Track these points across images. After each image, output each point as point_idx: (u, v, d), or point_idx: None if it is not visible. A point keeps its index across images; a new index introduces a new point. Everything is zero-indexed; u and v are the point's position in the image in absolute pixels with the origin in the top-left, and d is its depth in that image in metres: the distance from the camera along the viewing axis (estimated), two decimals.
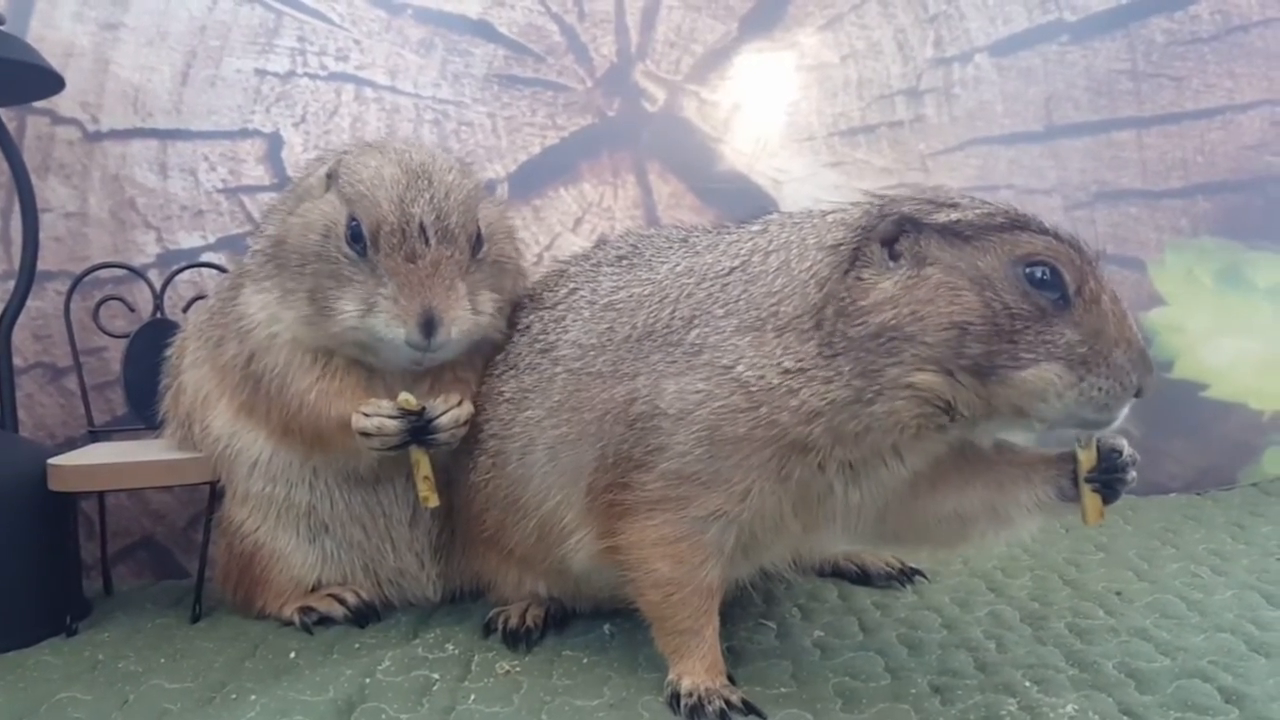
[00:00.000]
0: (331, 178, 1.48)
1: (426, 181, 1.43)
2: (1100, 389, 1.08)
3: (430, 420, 1.44)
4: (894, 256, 1.15)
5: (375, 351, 1.46)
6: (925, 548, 1.57)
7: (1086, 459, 1.20)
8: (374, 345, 1.44)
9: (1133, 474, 1.21)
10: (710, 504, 1.20)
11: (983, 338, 1.08)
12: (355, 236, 1.42)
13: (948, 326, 1.09)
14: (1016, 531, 1.30)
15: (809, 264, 1.19)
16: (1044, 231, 1.13)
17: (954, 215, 1.14)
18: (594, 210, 2.20)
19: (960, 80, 2.23)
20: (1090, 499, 1.21)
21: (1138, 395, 1.10)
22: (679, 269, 1.33)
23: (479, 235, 1.47)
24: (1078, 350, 1.08)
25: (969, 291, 1.10)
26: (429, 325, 1.38)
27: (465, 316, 1.42)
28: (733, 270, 1.26)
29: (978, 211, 1.15)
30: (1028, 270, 1.10)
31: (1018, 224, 1.13)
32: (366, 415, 1.44)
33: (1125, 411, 1.11)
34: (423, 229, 1.40)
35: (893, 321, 1.11)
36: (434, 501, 1.47)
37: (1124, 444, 1.21)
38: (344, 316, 1.42)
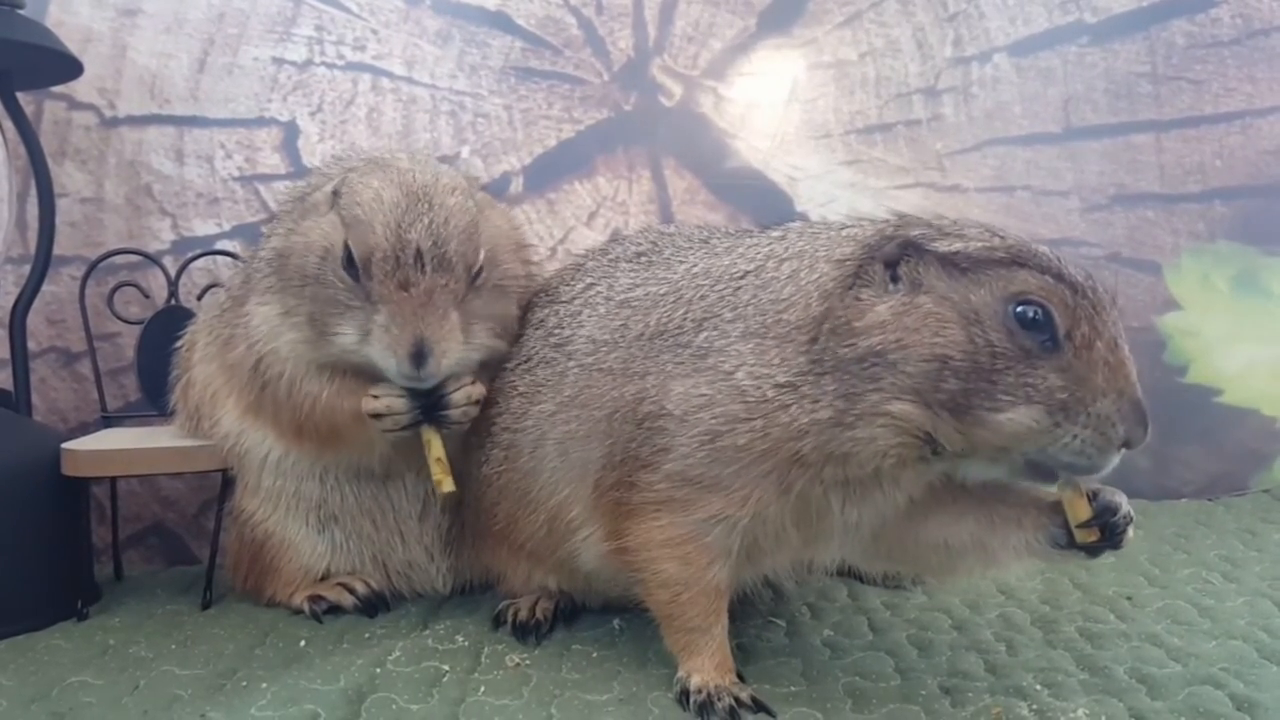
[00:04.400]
0: (336, 195, 1.46)
1: (426, 205, 1.40)
2: (1079, 438, 1.05)
3: (442, 397, 1.43)
4: (895, 279, 1.14)
5: (375, 373, 1.44)
6: (914, 572, 1.58)
7: (1075, 510, 1.16)
8: (373, 368, 1.43)
9: (1130, 536, 1.17)
10: (713, 507, 1.19)
11: (961, 373, 1.06)
12: (350, 261, 1.40)
13: (929, 358, 1.08)
14: (1004, 571, 1.29)
15: (816, 275, 1.18)
16: (1046, 270, 1.09)
17: (956, 245, 1.12)
18: (608, 204, 2.20)
19: (979, 80, 2.22)
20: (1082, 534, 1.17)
21: (1126, 447, 1.07)
22: (696, 270, 1.33)
23: (479, 262, 1.44)
24: (1058, 396, 1.05)
25: (955, 325, 1.08)
26: (419, 357, 1.36)
27: (456, 348, 1.39)
28: (746, 274, 1.25)
29: (980, 244, 1.12)
30: (1018, 309, 1.07)
31: (1019, 260, 1.10)
32: (376, 396, 1.44)
33: (1113, 462, 1.07)
34: (419, 255, 1.37)
35: (879, 346, 1.10)
36: (448, 485, 1.44)
37: (1121, 501, 1.17)
38: (344, 340, 1.42)
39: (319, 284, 1.42)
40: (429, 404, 1.43)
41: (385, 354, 1.38)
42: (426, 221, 1.39)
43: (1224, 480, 2.22)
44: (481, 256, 1.45)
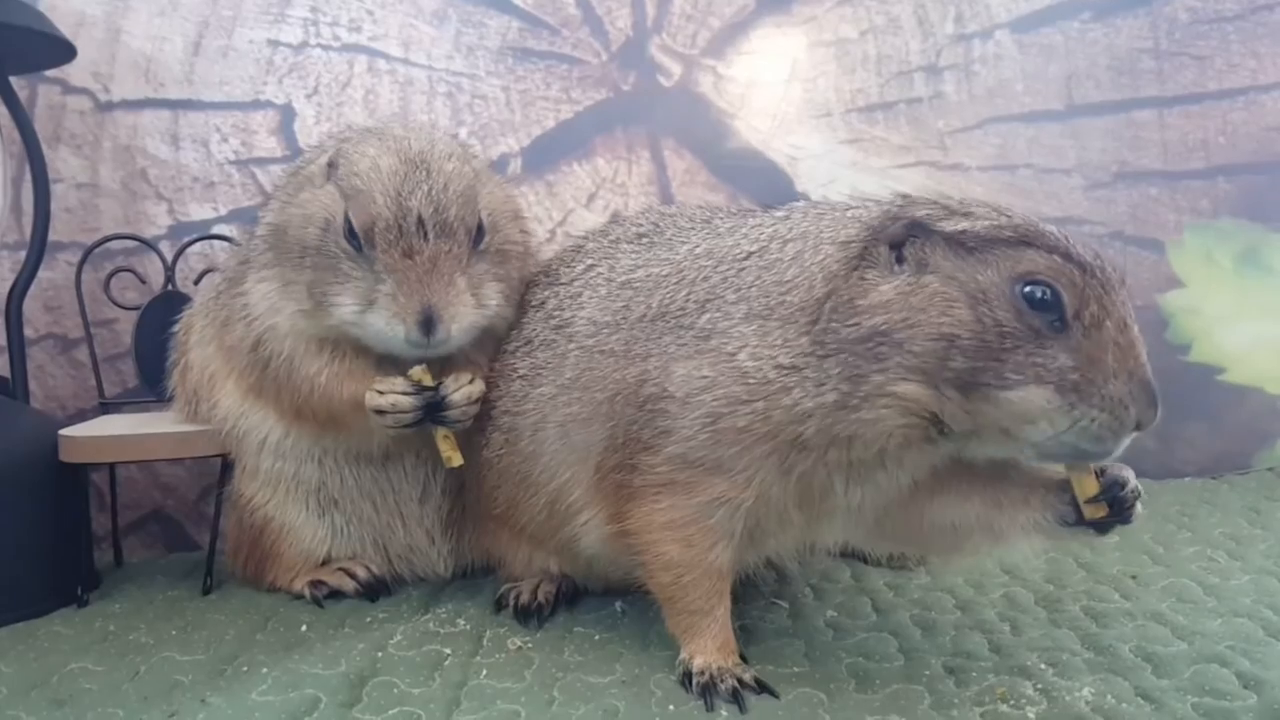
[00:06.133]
0: (332, 166, 1.45)
1: (425, 172, 1.39)
2: (1092, 419, 1.03)
3: (443, 397, 1.43)
4: (900, 260, 1.13)
5: (375, 347, 1.43)
6: (919, 553, 1.58)
7: (1083, 486, 1.15)
8: (373, 341, 1.42)
9: (1139, 510, 1.17)
10: (715, 490, 1.19)
11: (969, 352, 1.05)
12: (352, 231, 1.39)
13: (936, 337, 1.06)
14: (1011, 549, 1.28)
15: (821, 257, 1.17)
16: (1054, 249, 1.07)
17: (962, 224, 1.11)
18: (608, 186, 2.18)
19: (980, 57, 2.21)
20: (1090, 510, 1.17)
21: (1137, 429, 1.05)
22: (699, 250, 1.31)
23: (480, 226, 1.44)
24: (1069, 377, 1.03)
25: (962, 305, 1.07)
26: (428, 323, 1.36)
27: (465, 312, 1.39)
28: (750, 255, 1.24)
29: (987, 223, 1.10)
30: (1026, 289, 1.05)
31: (1026, 239, 1.08)
32: (380, 393, 1.43)
33: (1124, 445, 1.06)
34: (420, 223, 1.36)
35: (884, 326, 1.09)
36: (457, 460, 1.45)
37: (1129, 475, 1.16)
38: (343, 311, 1.40)
39: (320, 255, 1.41)
40: (432, 401, 1.42)
41: (393, 321, 1.37)
42: (426, 188, 1.38)
43: (1227, 459, 2.22)
44: (484, 215, 1.45)
